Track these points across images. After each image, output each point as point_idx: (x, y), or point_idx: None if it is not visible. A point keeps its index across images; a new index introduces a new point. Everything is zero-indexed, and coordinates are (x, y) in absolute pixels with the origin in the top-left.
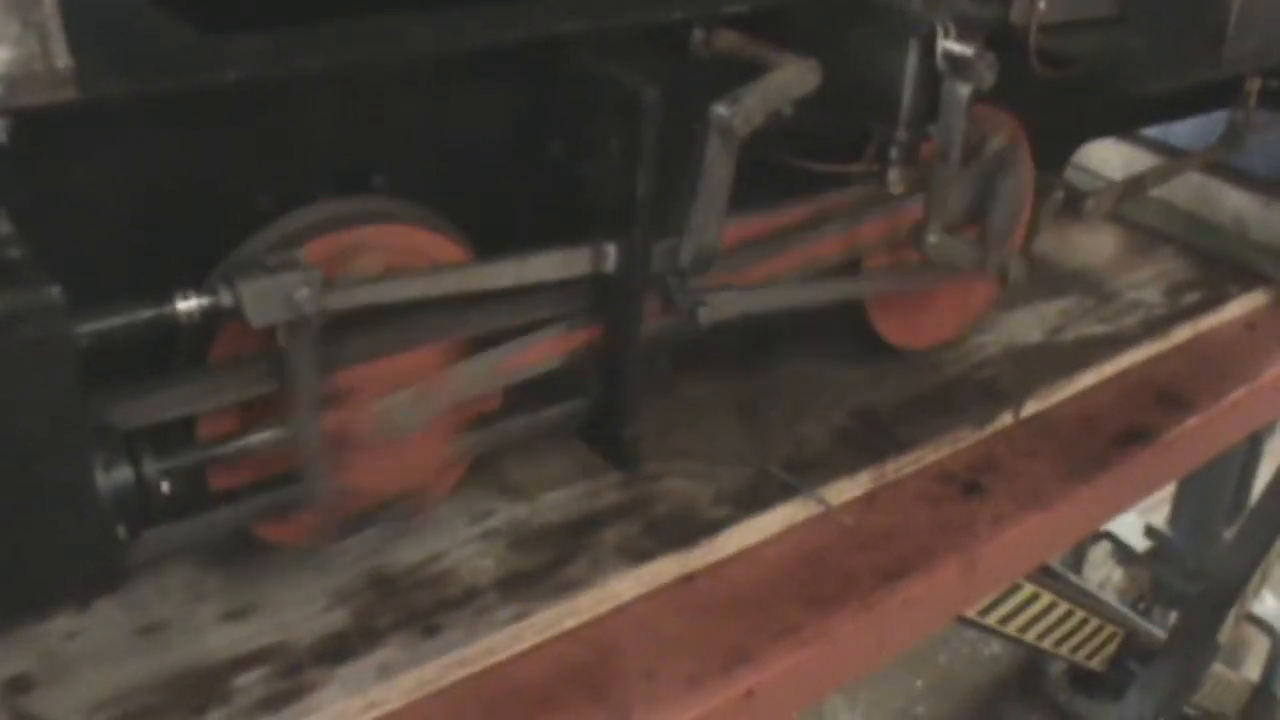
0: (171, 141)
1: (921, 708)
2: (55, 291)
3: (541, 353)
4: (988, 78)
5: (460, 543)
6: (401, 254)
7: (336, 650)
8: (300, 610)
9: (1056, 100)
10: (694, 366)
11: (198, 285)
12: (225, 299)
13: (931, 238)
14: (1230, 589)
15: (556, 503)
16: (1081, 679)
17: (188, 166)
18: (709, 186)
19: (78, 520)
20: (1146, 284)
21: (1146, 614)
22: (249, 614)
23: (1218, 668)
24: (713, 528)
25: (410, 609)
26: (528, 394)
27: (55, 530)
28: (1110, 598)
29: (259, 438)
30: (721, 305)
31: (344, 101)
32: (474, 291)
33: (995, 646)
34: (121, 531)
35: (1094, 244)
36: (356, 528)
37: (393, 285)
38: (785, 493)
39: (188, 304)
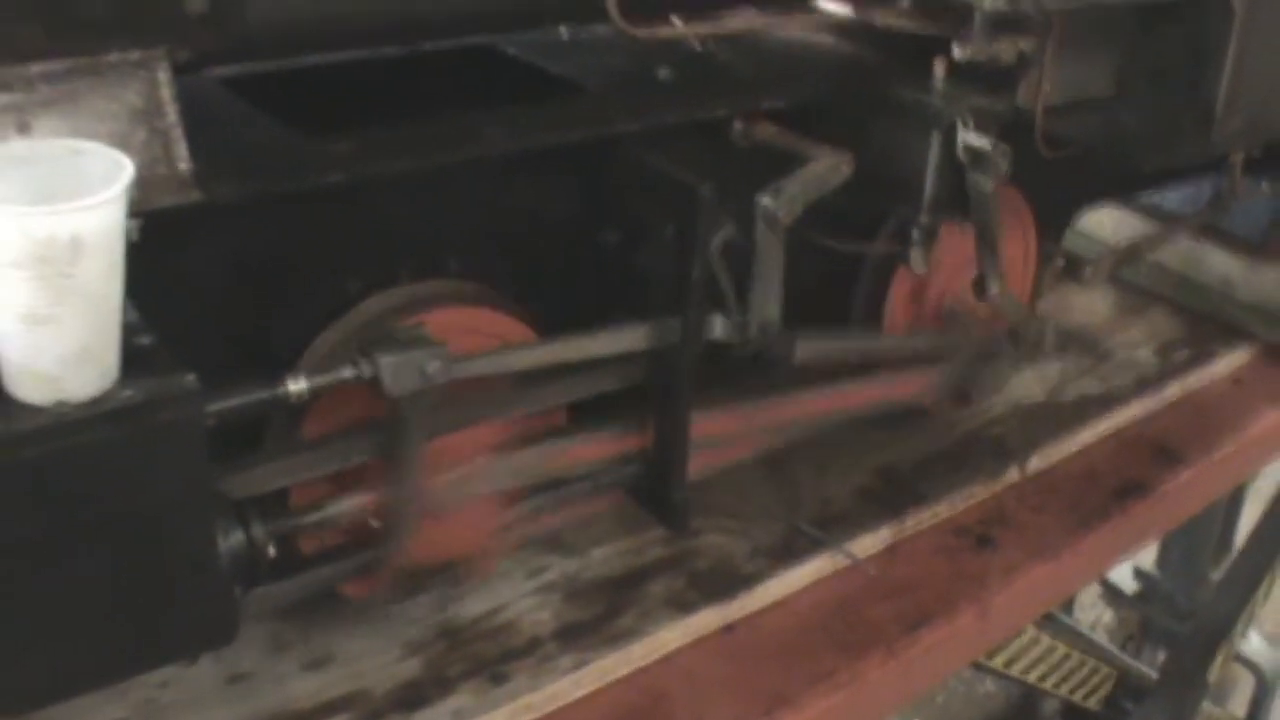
0: (268, 231)
1: None
2: (191, 378)
3: (600, 450)
4: (1003, 166)
5: (520, 596)
6: (473, 333)
7: (412, 698)
8: (375, 660)
9: (1058, 173)
10: None
11: (293, 364)
12: (365, 370)
13: (994, 288)
14: (1218, 630)
15: (605, 557)
16: (1074, 717)
17: (282, 253)
18: (763, 268)
19: (202, 581)
20: (1139, 343)
21: (1136, 653)
22: (328, 664)
23: (1206, 705)
24: (750, 580)
25: (478, 658)
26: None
27: (183, 590)
28: (1101, 638)
29: (357, 502)
30: (809, 347)
31: (422, 192)
32: (551, 364)
33: (990, 685)
34: (237, 591)
35: (1090, 304)
36: (423, 587)
37: (501, 357)
38: (814, 547)
39: (299, 385)
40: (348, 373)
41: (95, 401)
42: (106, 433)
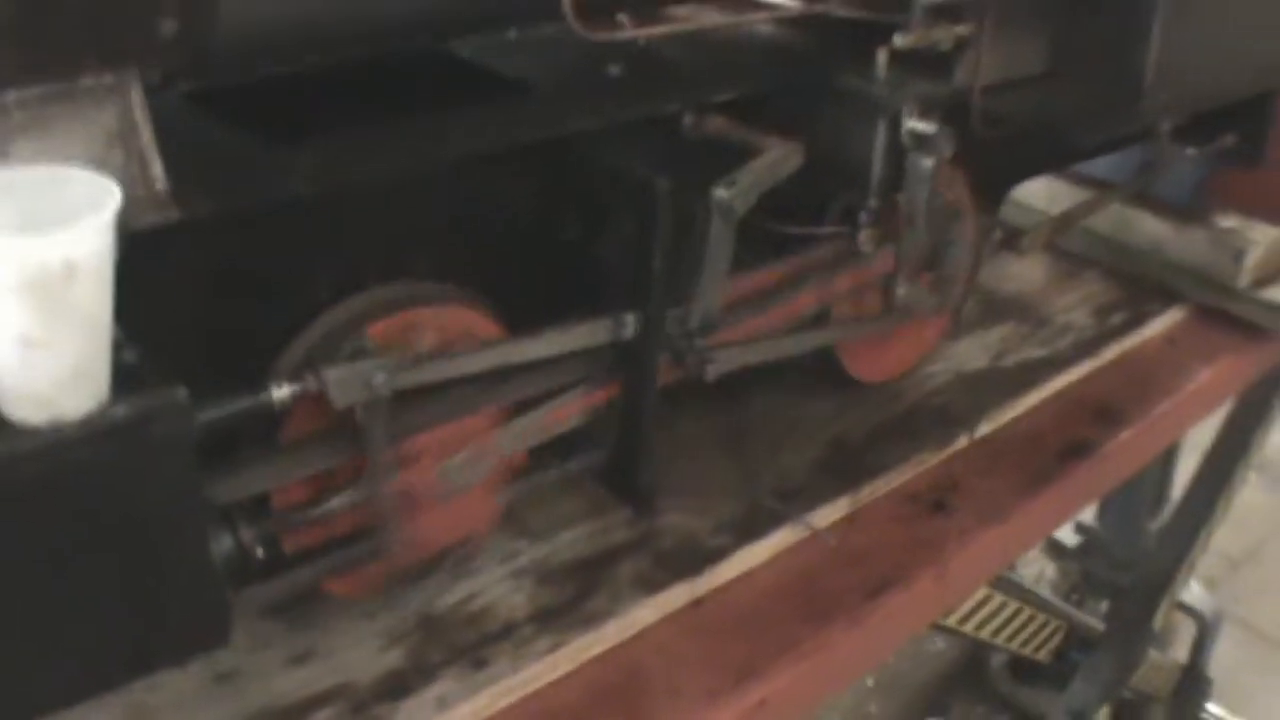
0: (239, 239)
1: (874, 705)
2: (181, 391)
3: (570, 411)
4: (947, 149)
5: (493, 582)
6: (445, 331)
7: (397, 687)
8: (358, 652)
9: (994, 149)
10: (681, 404)
11: (269, 371)
12: (311, 384)
13: (901, 290)
14: (1161, 579)
15: (572, 541)
16: (1023, 670)
17: (253, 261)
18: (712, 260)
19: (198, 586)
20: (1076, 307)
21: (1080, 605)
22: (311, 658)
23: (1150, 652)
24: (715, 556)
25: (458, 645)
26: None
27: (179, 596)
28: (1045, 591)
29: (340, 501)
30: (724, 360)
31: (388, 194)
32: (516, 362)
33: (940, 643)
34: (229, 595)
35: (1026, 272)
36: (417, 578)
37: (449, 363)
38: (775, 520)
39: (281, 392)
40: (299, 386)
41: (90, 420)
42: (103, 449)
